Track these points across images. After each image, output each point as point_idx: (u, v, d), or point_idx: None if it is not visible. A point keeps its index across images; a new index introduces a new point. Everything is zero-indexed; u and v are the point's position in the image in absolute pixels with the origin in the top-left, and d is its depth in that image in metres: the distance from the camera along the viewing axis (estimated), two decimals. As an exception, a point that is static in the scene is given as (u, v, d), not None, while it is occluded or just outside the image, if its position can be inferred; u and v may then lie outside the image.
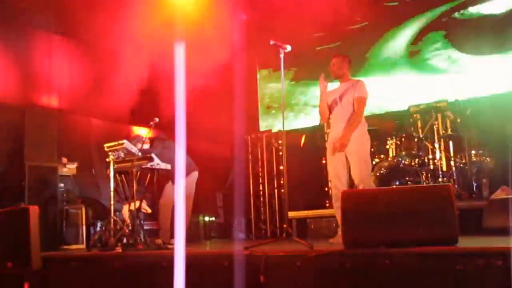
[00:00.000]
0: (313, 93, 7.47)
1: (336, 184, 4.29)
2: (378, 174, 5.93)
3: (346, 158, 4.25)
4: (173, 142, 5.28)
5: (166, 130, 5.72)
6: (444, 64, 6.70)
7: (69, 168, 6.91)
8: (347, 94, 4.27)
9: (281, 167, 7.14)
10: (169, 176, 5.25)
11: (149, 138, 5.42)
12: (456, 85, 6.20)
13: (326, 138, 7.23)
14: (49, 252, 4.79)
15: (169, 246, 4.92)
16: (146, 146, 5.31)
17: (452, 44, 6.68)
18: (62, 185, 6.74)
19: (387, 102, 7.13)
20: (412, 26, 7.02)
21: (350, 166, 4.25)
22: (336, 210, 4.28)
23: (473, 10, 6.58)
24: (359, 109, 4.23)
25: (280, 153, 7.45)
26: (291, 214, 6.52)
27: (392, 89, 7.12)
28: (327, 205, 6.81)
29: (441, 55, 6.74)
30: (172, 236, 5.18)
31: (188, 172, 5.40)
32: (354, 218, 3.04)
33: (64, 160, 6.86)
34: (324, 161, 7.12)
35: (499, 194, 5.24)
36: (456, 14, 6.70)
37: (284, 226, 3.88)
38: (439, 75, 6.71)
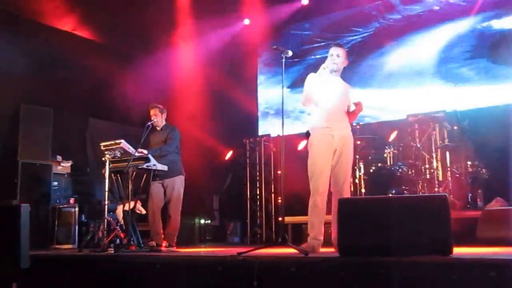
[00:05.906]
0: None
1: (324, 181, 4.00)
2: (375, 181, 5.92)
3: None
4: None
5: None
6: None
7: (64, 167, 6.86)
8: (343, 92, 4.18)
9: (279, 172, 7.11)
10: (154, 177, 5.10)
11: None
12: (456, 95, 6.18)
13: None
14: (39, 251, 4.72)
15: (162, 249, 4.88)
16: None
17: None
18: (55, 183, 6.68)
19: (386, 111, 7.14)
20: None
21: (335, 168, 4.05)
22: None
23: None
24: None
25: (277, 164, 7.43)
26: (287, 219, 6.47)
27: (391, 99, 7.13)
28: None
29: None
30: (165, 238, 5.13)
31: (178, 173, 5.32)
32: (350, 225, 3.02)
33: (59, 158, 6.80)
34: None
35: (493, 205, 5.25)
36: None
37: (280, 231, 3.82)
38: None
